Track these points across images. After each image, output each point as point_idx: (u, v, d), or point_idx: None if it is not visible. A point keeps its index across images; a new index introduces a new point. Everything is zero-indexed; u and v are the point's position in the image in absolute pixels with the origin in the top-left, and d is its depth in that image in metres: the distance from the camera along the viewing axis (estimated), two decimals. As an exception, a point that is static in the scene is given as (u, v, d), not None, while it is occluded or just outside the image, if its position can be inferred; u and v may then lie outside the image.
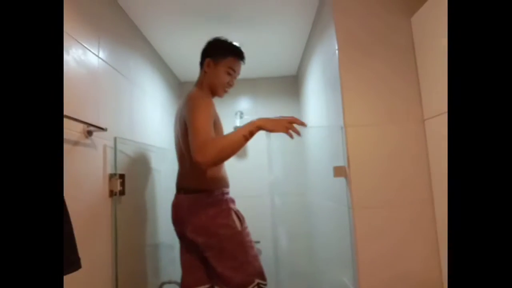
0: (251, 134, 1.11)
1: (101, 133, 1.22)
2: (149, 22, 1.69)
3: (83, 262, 0.82)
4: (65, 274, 0.72)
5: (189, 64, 2.22)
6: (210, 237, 1.23)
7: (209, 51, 1.34)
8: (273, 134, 1.18)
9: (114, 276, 1.29)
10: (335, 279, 1.60)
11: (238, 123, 2.40)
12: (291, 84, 2.57)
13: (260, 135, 2.38)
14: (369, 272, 1.21)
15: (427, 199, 1.23)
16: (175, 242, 1.41)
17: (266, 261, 2.37)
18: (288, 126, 1.11)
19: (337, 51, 1.31)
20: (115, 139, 1.33)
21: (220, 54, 1.32)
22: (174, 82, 2.41)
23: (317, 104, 1.83)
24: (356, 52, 1.30)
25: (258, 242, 2.40)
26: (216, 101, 2.66)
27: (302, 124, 1.13)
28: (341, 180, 1.34)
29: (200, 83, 1.35)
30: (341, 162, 1.33)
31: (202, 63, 1.36)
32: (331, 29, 1.38)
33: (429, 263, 1.21)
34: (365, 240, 1.22)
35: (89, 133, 1.16)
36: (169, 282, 1.80)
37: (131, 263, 1.47)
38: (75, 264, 0.75)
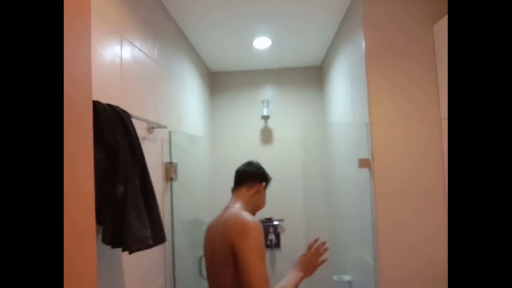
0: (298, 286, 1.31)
1: (159, 128, 1.44)
2: (188, 20, 1.82)
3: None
4: (156, 245, 0.96)
5: (218, 55, 2.39)
6: None
7: (262, 177, 1.53)
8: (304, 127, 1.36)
9: (171, 245, 1.55)
10: (356, 255, 1.82)
11: (265, 112, 2.58)
12: (315, 74, 2.71)
13: (294, 127, 2.60)
14: (388, 251, 1.42)
15: (441, 191, 1.41)
16: (209, 219, 1.59)
17: (292, 236, 2.62)
18: (319, 264, 1.42)
19: (364, 51, 1.47)
20: (169, 132, 1.55)
21: (267, 182, 1.56)
22: (205, 72, 2.58)
23: (342, 99, 1.99)
24: (383, 54, 1.46)
25: (282, 220, 2.65)
26: (243, 90, 2.86)
27: (325, 250, 1.44)
28: (365, 170, 1.53)
29: (245, 201, 1.43)
30: (365, 155, 1.51)
31: (247, 182, 1.49)
32: (359, 30, 1.53)
33: (439, 242, 1.41)
34: (386, 223, 1.42)
35: (152, 128, 1.38)
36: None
37: (183, 236, 1.72)
38: (162, 239, 0.98)
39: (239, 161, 2.62)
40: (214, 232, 1.33)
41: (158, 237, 0.94)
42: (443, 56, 1.38)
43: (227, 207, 1.41)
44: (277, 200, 2.60)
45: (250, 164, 1.57)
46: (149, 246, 0.86)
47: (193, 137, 2.04)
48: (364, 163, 1.51)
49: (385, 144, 1.44)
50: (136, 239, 0.81)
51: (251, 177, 1.51)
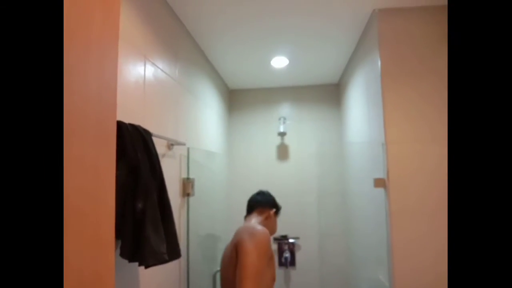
0: None
1: (178, 145, 1.49)
2: (208, 39, 1.88)
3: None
4: (171, 260, 0.99)
5: (237, 74, 2.46)
6: None
7: (272, 203, 1.68)
8: (320, 144, 1.39)
9: (186, 260, 1.57)
10: (371, 276, 1.78)
11: (282, 128, 2.61)
12: (333, 92, 2.73)
13: (310, 144, 2.61)
14: (404, 272, 1.39)
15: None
16: (225, 235, 1.64)
17: (307, 254, 2.60)
18: None
19: (380, 71, 1.48)
20: (188, 149, 1.60)
21: (278, 209, 1.71)
22: (224, 90, 2.65)
23: (359, 118, 2.00)
24: (398, 73, 1.47)
25: (297, 238, 2.63)
26: (261, 107, 2.90)
27: None
28: (380, 190, 1.52)
29: (262, 224, 1.56)
30: (380, 174, 1.51)
31: (258, 208, 1.64)
32: (375, 48, 1.55)
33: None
34: (401, 243, 1.40)
35: (171, 145, 1.43)
36: (222, 269, 2.07)
37: (198, 251, 1.75)
38: (178, 254, 1.01)
39: (255, 177, 2.67)
40: (228, 247, 1.45)
41: (173, 252, 0.97)
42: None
43: (244, 224, 1.52)
44: (292, 217, 2.60)
45: (260, 193, 1.71)
46: (164, 261, 0.89)
47: (210, 153, 2.09)
48: (379, 183, 1.50)
49: (400, 163, 1.43)
50: (152, 254, 0.84)
51: (261, 204, 1.65)
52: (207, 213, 2.00)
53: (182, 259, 1.54)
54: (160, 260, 0.86)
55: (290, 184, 2.66)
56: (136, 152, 0.89)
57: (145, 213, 0.86)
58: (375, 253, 1.70)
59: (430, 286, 1.37)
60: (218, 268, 2.08)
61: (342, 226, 2.59)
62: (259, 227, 1.39)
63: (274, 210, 1.66)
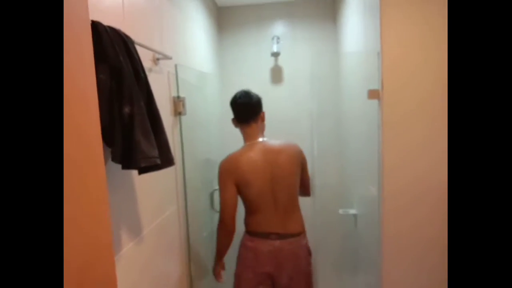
0: None
1: (165, 61, 1.42)
2: None
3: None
4: (165, 167, 1.00)
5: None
6: (307, 275, 1.64)
7: (261, 105, 1.72)
8: (315, 64, 1.37)
9: (183, 177, 1.62)
10: (363, 189, 1.86)
11: (276, 48, 2.49)
12: (328, 6, 2.55)
13: (305, 65, 2.52)
14: (393, 179, 1.44)
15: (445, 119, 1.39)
16: (221, 158, 1.66)
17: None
18: None
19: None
20: (175, 66, 1.53)
21: None
22: (212, 7, 2.47)
23: (354, 29, 1.90)
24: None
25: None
26: (252, 26, 2.72)
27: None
28: (374, 102, 1.50)
29: (263, 132, 1.73)
30: (375, 86, 1.47)
31: (259, 113, 1.69)
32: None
33: (441, 169, 1.41)
34: (391, 153, 1.43)
35: (157, 60, 1.36)
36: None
37: (194, 170, 1.79)
38: (171, 161, 1.02)
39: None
40: (270, 158, 1.58)
41: (166, 159, 0.98)
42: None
43: (262, 141, 1.64)
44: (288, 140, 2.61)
45: (249, 94, 1.68)
46: (156, 165, 0.90)
47: (201, 73, 2.02)
48: (373, 94, 1.48)
49: (395, 73, 1.39)
50: (144, 156, 0.84)
51: (260, 108, 1.69)
52: (201, 134, 2.00)
53: (178, 176, 1.58)
54: (152, 163, 0.87)
55: (284, 107, 2.62)
56: (117, 55, 0.84)
57: (133, 119, 0.84)
58: (367, 166, 1.75)
59: (420, 196, 1.43)
60: (215, 188, 2.16)
61: (337, 146, 2.62)
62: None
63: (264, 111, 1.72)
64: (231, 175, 1.55)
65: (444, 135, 1.40)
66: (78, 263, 0.55)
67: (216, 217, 2.32)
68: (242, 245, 1.65)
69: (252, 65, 2.63)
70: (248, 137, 1.65)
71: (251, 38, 2.62)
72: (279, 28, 2.60)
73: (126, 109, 0.84)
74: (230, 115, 2.67)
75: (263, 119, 1.71)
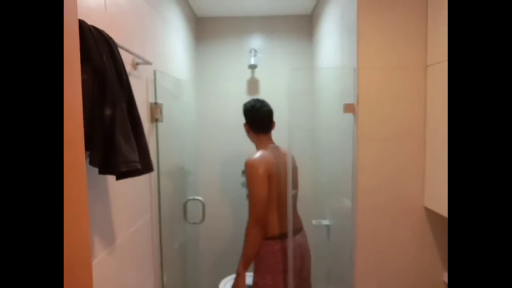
0: None
1: (144, 66, 1.40)
2: None
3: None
4: (144, 173, 0.98)
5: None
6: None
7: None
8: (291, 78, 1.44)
9: (157, 184, 1.57)
10: (336, 200, 1.91)
11: (253, 61, 2.53)
12: (305, 23, 2.64)
13: (281, 78, 2.56)
14: (367, 192, 1.49)
15: (420, 136, 1.47)
16: (196, 167, 1.64)
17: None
18: None
19: (357, -2, 1.43)
20: (154, 72, 1.51)
21: None
22: (191, 17, 2.48)
23: (330, 46, 1.97)
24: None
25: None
26: (230, 38, 2.74)
27: None
28: (349, 116, 1.56)
29: None
30: (350, 101, 1.53)
31: (273, 123, 1.81)
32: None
33: (416, 187, 1.49)
34: (366, 166, 1.48)
35: (136, 65, 1.34)
36: (193, 199, 2.12)
37: (168, 179, 1.75)
38: (150, 167, 1.00)
39: (224, 111, 2.62)
40: (285, 160, 1.69)
41: (146, 164, 0.96)
42: (435, 1, 1.37)
43: (277, 146, 1.77)
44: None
45: (266, 102, 1.79)
46: (137, 169, 0.87)
47: (178, 81, 2.00)
48: (349, 108, 1.53)
49: (370, 89, 1.46)
50: (125, 160, 0.82)
51: (273, 114, 1.79)
52: (176, 144, 1.97)
53: (153, 183, 1.54)
54: (132, 167, 0.84)
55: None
56: (101, 55, 0.82)
57: (114, 121, 0.82)
58: (341, 179, 1.79)
59: (389, 201, 1.49)
60: (189, 198, 2.13)
61: (310, 161, 2.66)
62: None
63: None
64: (266, 171, 1.59)
65: (418, 149, 1.48)
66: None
67: (189, 228, 2.27)
68: (269, 252, 1.61)
69: (229, 76, 2.65)
70: (263, 144, 1.73)
71: (228, 50, 2.64)
72: (256, 41, 2.65)
73: (108, 111, 0.81)
74: (207, 124, 2.65)
75: (273, 127, 1.80)
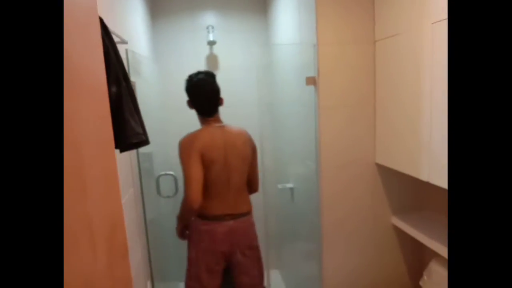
0: None
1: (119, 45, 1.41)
2: None
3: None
4: (145, 144, 1.06)
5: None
6: (257, 249, 1.78)
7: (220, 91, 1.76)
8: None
9: (137, 160, 1.63)
10: (300, 164, 2.12)
11: (211, 37, 2.58)
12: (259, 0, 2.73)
13: (240, 54, 2.63)
14: (328, 154, 1.71)
15: (371, 103, 1.71)
16: (165, 144, 1.70)
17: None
18: None
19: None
20: (126, 50, 1.53)
21: None
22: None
23: (288, 22, 2.11)
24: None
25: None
26: (185, 15, 2.73)
27: None
28: (310, 88, 1.74)
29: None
30: (311, 74, 1.71)
31: (219, 104, 1.74)
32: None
33: (369, 147, 1.74)
34: (327, 132, 1.69)
35: (111, 44, 1.36)
36: (165, 174, 2.19)
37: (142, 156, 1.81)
38: (148, 140, 1.08)
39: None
40: (228, 141, 1.65)
41: (146, 137, 1.04)
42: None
43: (224, 125, 1.70)
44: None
45: (210, 75, 1.72)
46: (143, 141, 0.96)
47: (145, 59, 2.01)
48: (310, 80, 1.71)
49: (329, 63, 1.64)
50: (134, 133, 0.90)
51: (219, 94, 1.73)
52: (147, 122, 2.00)
53: (133, 158, 1.60)
54: (140, 139, 0.93)
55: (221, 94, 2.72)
56: (101, 34, 0.87)
57: (121, 97, 0.89)
58: (303, 145, 1.99)
59: (347, 160, 1.73)
60: (161, 173, 2.19)
61: (272, 131, 2.80)
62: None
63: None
64: (197, 151, 1.55)
65: (370, 114, 1.71)
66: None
67: (162, 202, 2.35)
68: (195, 230, 1.67)
69: (187, 53, 2.67)
70: (207, 123, 1.70)
71: (185, 27, 2.65)
72: (212, 18, 2.68)
73: (113, 89, 0.88)
74: (170, 101, 2.65)
75: (222, 104, 1.73)
